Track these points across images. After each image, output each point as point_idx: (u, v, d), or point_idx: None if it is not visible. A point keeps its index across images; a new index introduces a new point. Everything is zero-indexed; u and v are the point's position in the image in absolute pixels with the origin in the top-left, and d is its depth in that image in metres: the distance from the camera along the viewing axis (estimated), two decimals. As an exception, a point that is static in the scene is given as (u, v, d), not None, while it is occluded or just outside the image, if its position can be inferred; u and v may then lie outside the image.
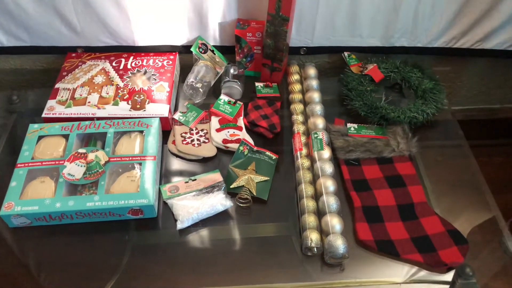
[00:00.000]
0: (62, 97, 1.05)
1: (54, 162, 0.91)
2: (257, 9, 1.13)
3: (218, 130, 1.06)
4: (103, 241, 0.88)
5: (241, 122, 1.09)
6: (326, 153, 1.00)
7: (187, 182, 0.96)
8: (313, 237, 0.85)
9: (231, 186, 0.95)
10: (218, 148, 1.04)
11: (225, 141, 1.04)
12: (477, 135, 1.22)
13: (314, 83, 1.16)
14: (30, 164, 0.90)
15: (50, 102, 1.04)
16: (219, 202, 0.91)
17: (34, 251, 0.86)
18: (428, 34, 1.22)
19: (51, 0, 1.06)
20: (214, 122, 1.08)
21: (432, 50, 1.26)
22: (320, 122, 1.06)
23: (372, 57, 1.24)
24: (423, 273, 0.85)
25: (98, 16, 1.10)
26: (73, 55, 1.17)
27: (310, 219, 0.88)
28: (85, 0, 1.07)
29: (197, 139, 1.04)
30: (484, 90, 1.40)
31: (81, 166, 0.90)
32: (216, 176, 0.97)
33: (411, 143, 1.05)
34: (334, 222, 0.87)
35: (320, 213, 0.91)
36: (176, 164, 1.02)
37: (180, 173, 1.01)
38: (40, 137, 0.96)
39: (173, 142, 1.04)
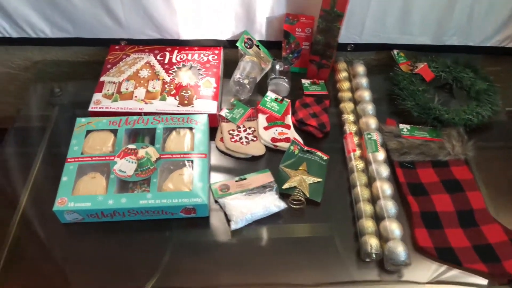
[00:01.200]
0: (108, 90, 1.03)
1: (104, 158, 0.88)
2: (307, 4, 1.09)
3: (266, 128, 1.03)
4: (153, 239, 0.85)
5: (289, 120, 1.06)
6: (381, 155, 0.96)
7: (237, 181, 0.93)
8: (372, 242, 0.82)
9: (283, 187, 0.92)
10: (266, 147, 1.01)
11: (273, 139, 1.01)
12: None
13: (363, 81, 1.12)
14: (80, 159, 0.88)
15: (96, 96, 1.02)
16: (272, 203, 0.88)
17: (85, 247, 0.84)
18: (482, 33, 1.17)
19: (98, -9, 1.03)
20: (262, 119, 1.05)
21: (483, 49, 1.21)
22: (372, 122, 1.02)
23: (420, 55, 1.20)
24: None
25: (144, 8, 1.07)
26: (116, 47, 1.14)
27: (368, 224, 0.85)
28: (132, -8, 1.04)
29: (245, 137, 1.01)
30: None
31: (132, 162, 0.88)
32: (267, 176, 0.94)
33: (466, 146, 1.01)
34: (394, 227, 0.84)
35: (377, 218, 0.88)
36: (223, 161, 1.00)
37: (229, 171, 0.98)
38: (88, 131, 0.94)
39: (221, 139, 1.01)
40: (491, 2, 1.09)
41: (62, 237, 0.85)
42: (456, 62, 1.18)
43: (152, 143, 0.92)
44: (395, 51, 1.20)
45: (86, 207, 0.81)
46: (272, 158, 1.00)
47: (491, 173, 1.00)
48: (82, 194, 0.83)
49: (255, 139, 1.02)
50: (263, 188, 0.91)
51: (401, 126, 1.05)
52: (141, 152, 0.89)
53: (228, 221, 0.87)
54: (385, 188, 0.90)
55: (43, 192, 0.90)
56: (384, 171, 0.93)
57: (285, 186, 0.92)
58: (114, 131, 0.94)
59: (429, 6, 1.10)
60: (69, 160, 0.88)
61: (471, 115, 1.05)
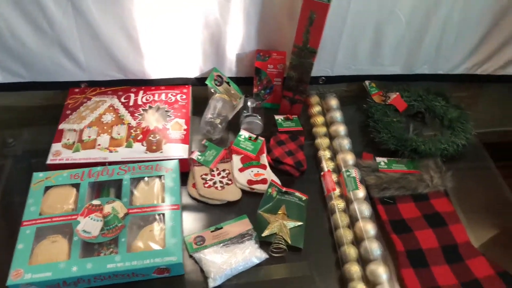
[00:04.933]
0: (68, 139, 0.95)
1: (65, 218, 0.80)
2: (277, 40, 1.06)
3: (241, 170, 0.98)
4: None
5: (264, 159, 1.01)
6: (361, 192, 0.93)
7: (213, 231, 0.87)
8: (360, 290, 0.78)
9: (263, 235, 0.86)
10: (242, 190, 0.96)
11: (250, 182, 0.96)
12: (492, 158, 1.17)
13: (337, 115, 1.09)
14: (38, 221, 0.80)
15: (55, 146, 0.94)
16: (253, 254, 0.82)
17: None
18: (450, 62, 1.18)
19: (55, 34, 0.96)
20: (236, 161, 1.00)
21: (452, 77, 1.22)
22: (350, 158, 0.99)
23: (391, 85, 1.19)
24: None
25: (106, 49, 1.01)
26: (76, 90, 1.07)
27: (354, 269, 0.81)
28: (93, 33, 0.97)
29: (220, 181, 0.96)
30: (499, 114, 1.36)
31: (97, 220, 0.80)
32: (244, 223, 0.88)
33: (445, 177, 0.99)
34: (381, 271, 0.80)
35: (363, 260, 0.84)
36: (197, 209, 0.93)
37: (203, 220, 0.91)
38: (46, 188, 0.85)
39: (193, 185, 0.95)
40: (458, 33, 1.10)
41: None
42: (427, 90, 1.17)
43: (119, 196, 0.85)
44: (366, 82, 1.18)
45: (46, 278, 0.73)
46: (249, 201, 0.94)
47: (469, 203, 0.99)
48: (41, 263, 0.74)
49: (230, 182, 0.96)
50: (241, 237, 0.86)
51: (378, 159, 1.03)
52: (107, 208, 0.82)
53: (206, 277, 0.81)
54: (368, 229, 0.86)
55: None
56: (366, 209, 0.90)
57: (265, 233, 0.87)
58: (76, 186, 0.86)
59: (399, 38, 1.09)
60: (25, 223, 0.79)
61: (446, 145, 1.04)
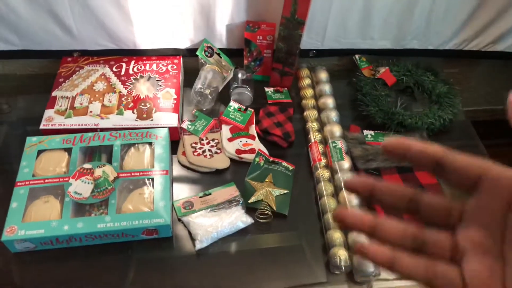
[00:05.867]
0: (60, 106, 0.97)
1: (57, 180, 0.83)
2: (267, 11, 1.07)
3: (230, 140, 1.00)
4: (113, 263, 0.81)
5: (253, 130, 1.04)
6: (346, 163, 0.95)
7: (201, 196, 0.90)
8: (341, 255, 0.81)
9: (249, 201, 0.89)
10: (231, 159, 0.98)
11: (238, 151, 0.98)
12: (479, 136, 1.20)
13: (326, 88, 1.11)
14: (31, 182, 0.82)
15: (48, 112, 0.96)
16: (239, 219, 0.85)
17: (39, 277, 0.78)
18: (440, 37, 1.19)
19: (45, 1, 0.97)
20: (225, 131, 1.02)
21: (442, 52, 1.23)
22: (337, 130, 1.01)
23: (382, 59, 1.20)
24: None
25: (97, 17, 1.02)
26: (69, 59, 1.08)
27: (336, 236, 0.84)
28: (83, 1, 0.98)
29: (209, 150, 0.98)
30: (490, 92, 1.38)
31: (88, 183, 0.83)
32: (232, 190, 0.91)
33: (430, 150, 1.01)
34: (362, 238, 0.83)
35: (345, 228, 0.87)
36: (186, 176, 0.96)
37: (192, 186, 0.94)
38: (39, 152, 0.88)
39: (183, 153, 0.97)
40: (448, 7, 1.10)
41: (13, 268, 0.79)
42: (416, 65, 1.19)
43: (110, 161, 0.88)
44: (356, 56, 1.19)
45: (39, 235, 0.75)
46: (238, 170, 0.97)
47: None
48: (34, 221, 0.77)
49: (219, 151, 0.99)
50: (228, 203, 0.88)
51: (365, 132, 1.05)
52: (98, 172, 0.84)
53: (193, 240, 0.84)
54: (351, 198, 0.89)
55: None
56: (350, 179, 0.92)
57: (251, 200, 0.89)
58: (68, 150, 0.89)
59: (388, 11, 1.10)
60: (18, 184, 0.82)
61: (433, 119, 1.06)
